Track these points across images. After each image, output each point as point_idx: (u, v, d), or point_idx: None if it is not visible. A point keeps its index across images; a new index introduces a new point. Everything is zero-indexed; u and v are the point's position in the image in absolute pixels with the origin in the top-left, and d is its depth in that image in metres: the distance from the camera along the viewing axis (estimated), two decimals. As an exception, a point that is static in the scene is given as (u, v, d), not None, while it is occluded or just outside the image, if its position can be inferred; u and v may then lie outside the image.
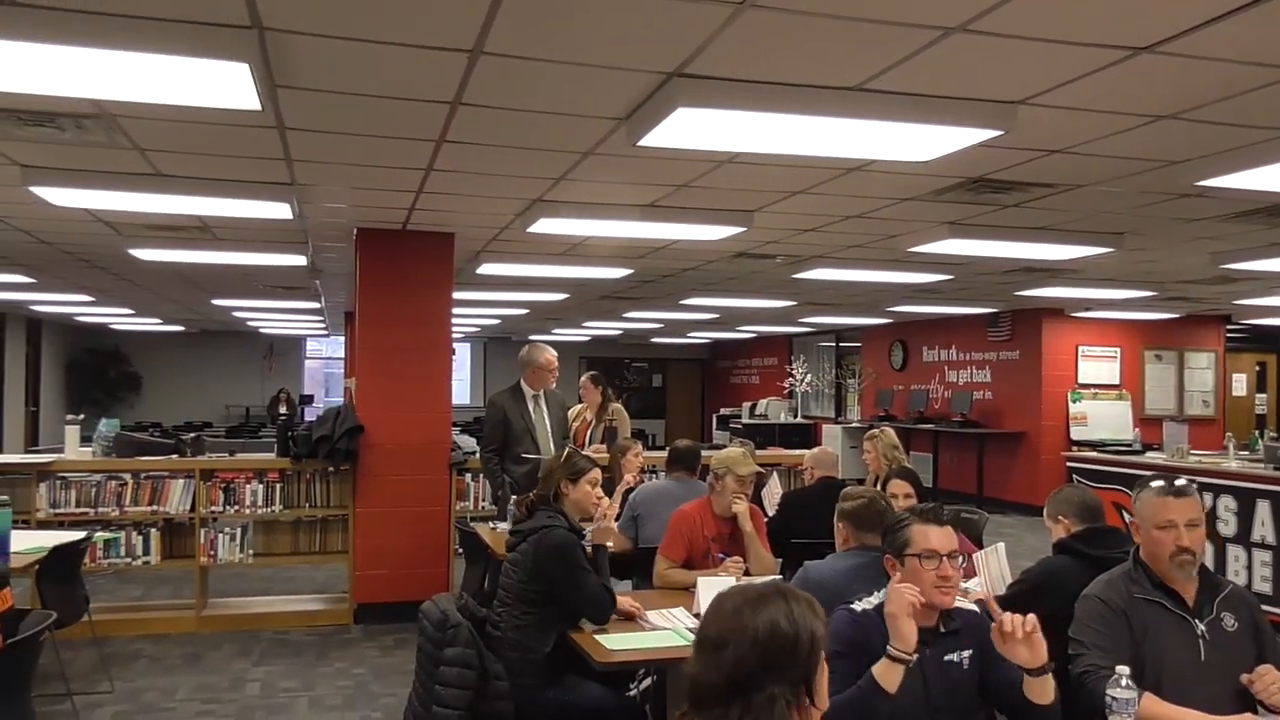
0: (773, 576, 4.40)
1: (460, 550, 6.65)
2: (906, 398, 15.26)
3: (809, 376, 16.71)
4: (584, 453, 4.21)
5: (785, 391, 17.54)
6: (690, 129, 3.80)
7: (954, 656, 2.72)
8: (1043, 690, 2.53)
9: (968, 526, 5.40)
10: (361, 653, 6.28)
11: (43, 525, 6.31)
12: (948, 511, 2.88)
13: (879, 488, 4.77)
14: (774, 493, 6.23)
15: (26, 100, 3.82)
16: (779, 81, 3.49)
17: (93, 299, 12.84)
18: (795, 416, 17.58)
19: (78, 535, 5.49)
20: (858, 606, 2.73)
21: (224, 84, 3.30)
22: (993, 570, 3.83)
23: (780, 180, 5.26)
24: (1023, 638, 2.48)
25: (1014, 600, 3.53)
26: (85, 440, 7.11)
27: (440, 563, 7.04)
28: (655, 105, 3.69)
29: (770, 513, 5.63)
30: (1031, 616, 2.51)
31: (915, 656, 2.53)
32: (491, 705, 3.40)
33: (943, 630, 2.73)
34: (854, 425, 15.60)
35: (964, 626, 2.76)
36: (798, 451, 8.30)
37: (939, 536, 2.73)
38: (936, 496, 11.58)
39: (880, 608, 2.65)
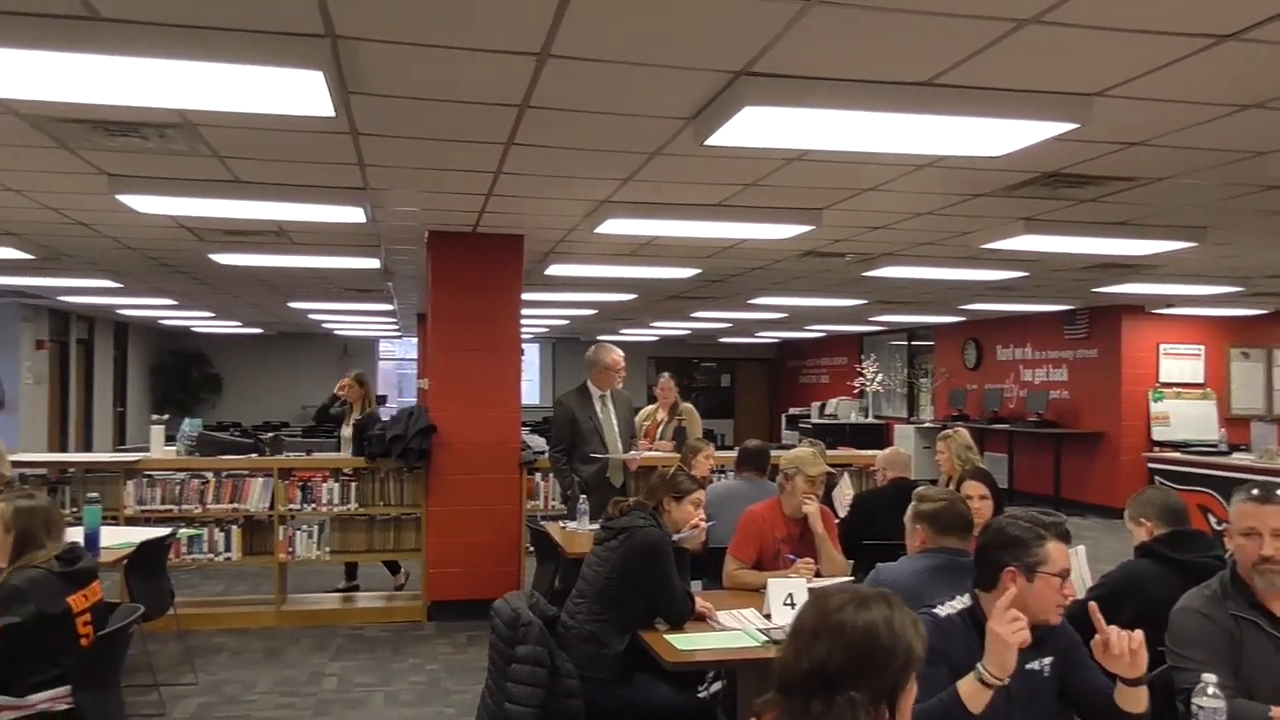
0: (844, 578, 4.37)
1: (531, 549, 6.71)
2: (980, 397, 15.00)
3: (880, 376, 16.50)
4: (688, 472, 4.25)
5: (856, 391, 17.35)
6: (758, 127, 3.78)
7: (1035, 664, 2.64)
8: (1137, 700, 2.46)
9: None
10: (435, 649, 6.37)
11: (130, 522, 6.51)
12: (1026, 514, 2.79)
13: (952, 489, 4.70)
14: (845, 494, 6.18)
15: (113, 111, 3.95)
16: (847, 78, 3.45)
17: (175, 303, 13.22)
18: (866, 416, 17.39)
19: (163, 531, 5.68)
20: (941, 612, 2.66)
21: (299, 92, 3.38)
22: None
23: (849, 177, 5.21)
24: (1121, 654, 2.40)
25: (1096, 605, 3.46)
26: (169, 440, 7.33)
27: (511, 561, 7.11)
28: (722, 104, 3.68)
29: (841, 514, 5.58)
30: (1138, 634, 2.43)
31: (1006, 681, 2.42)
32: (562, 703, 3.43)
33: None
34: (926, 425, 15.38)
35: (1045, 634, 2.67)
36: (869, 452, 8.21)
37: (1066, 554, 2.65)
38: (1012, 498, 11.37)
39: (964, 613, 2.59)
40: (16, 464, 6.55)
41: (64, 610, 3.21)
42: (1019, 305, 12.67)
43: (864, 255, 7.98)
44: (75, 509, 6.41)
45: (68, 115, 4.06)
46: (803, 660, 1.71)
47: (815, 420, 17.56)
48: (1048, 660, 2.66)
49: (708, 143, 4.00)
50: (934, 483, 5.62)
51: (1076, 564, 3.82)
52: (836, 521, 4.97)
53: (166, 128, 4.24)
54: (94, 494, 5.36)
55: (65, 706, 3.21)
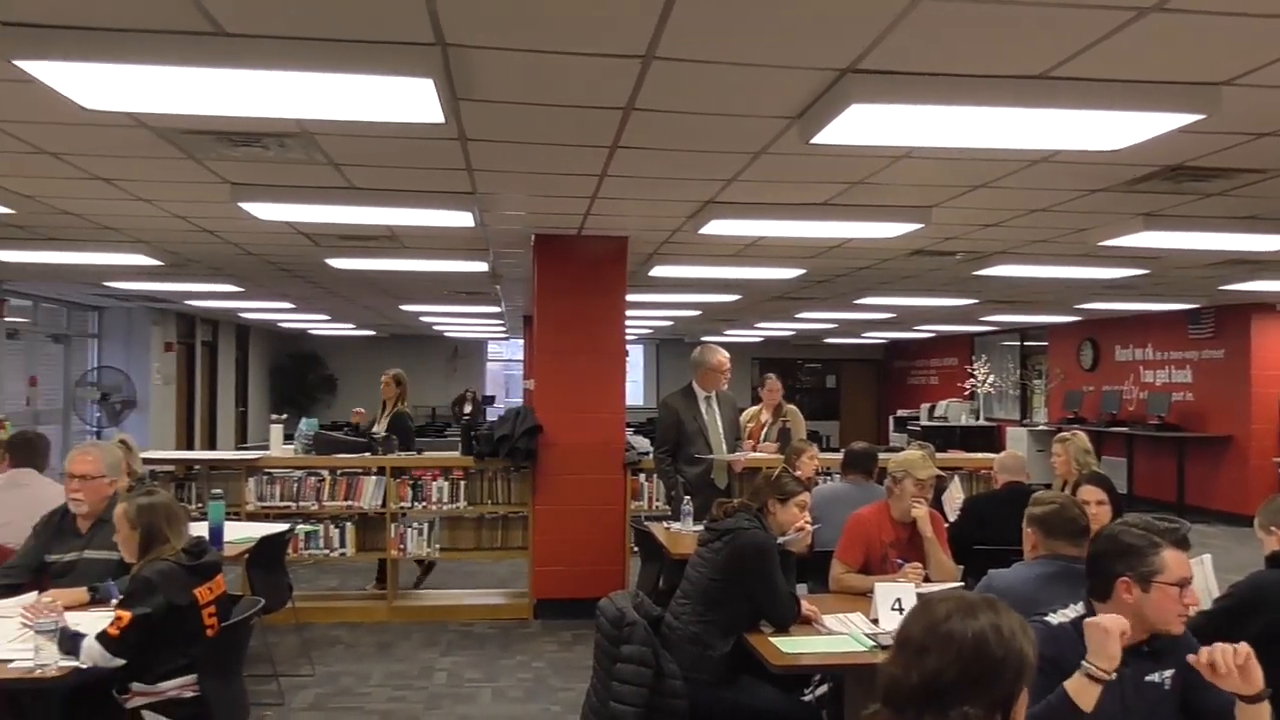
0: (955, 584, 4.27)
1: (635, 549, 6.73)
2: (1098, 399, 14.48)
3: (991, 377, 16.07)
4: (793, 474, 4.21)
5: (966, 393, 16.94)
6: (865, 125, 3.73)
7: (1155, 677, 2.54)
8: (1258, 717, 2.34)
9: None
10: (541, 647, 6.45)
11: (251, 517, 6.76)
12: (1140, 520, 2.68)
13: (1068, 494, 4.55)
14: (955, 497, 6.04)
15: (236, 123, 4.11)
16: (958, 73, 3.37)
17: (294, 306, 13.69)
18: (977, 419, 16.96)
19: (282, 527, 5.88)
20: (1054, 619, 2.58)
21: (410, 99, 3.47)
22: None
23: (959, 174, 5.09)
24: (1228, 671, 2.29)
25: (1221, 617, 3.30)
26: (287, 439, 7.59)
27: (616, 561, 7.15)
28: (828, 103, 3.64)
29: (951, 518, 5.46)
30: (1243, 646, 2.31)
31: (1114, 676, 2.35)
32: (667, 703, 3.43)
33: (1145, 649, 2.53)
34: (1040, 428, 14.91)
35: (1165, 645, 2.56)
36: (980, 455, 8.02)
37: (1185, 563, 2.53)
38: (1131, 504, 10.94)
39: (1078, 621, 2.50)
40: (147, 461, 6.85)
41: (191, 602, 3.35)
42: (1139, 304, 12.18)
43: (975, 254, 7.79)
44: (200, 505, 6.70)
45: (194, 127, 4.24)
46: (911, 674, 1.67)
47: (924, 422, 17.21)
48: (1169, 673, 2.54)
49: (813, 141, 3.96)
50: (1049, 487, 5.45)
51: (1202, 574, 3.66)
52: (946, 526, 4.86)
53: (286, 137, 4.39)
54: (218, 490, 5.59)
55: (192, 694, 3.35)
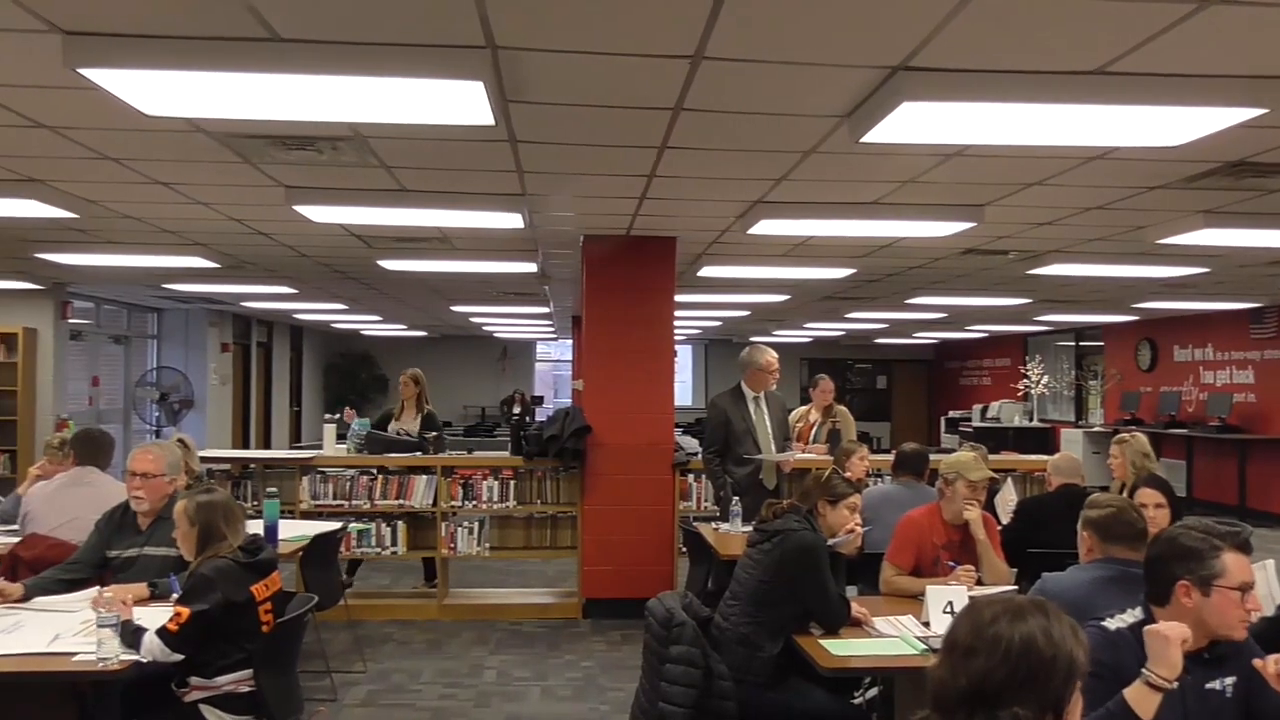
0: (1008, 588, 4.21)
1: (684, 549, 6.73)
2: (1155, 400, 14.19)
3: (1046, 378, 15.83)
4: (843, 475, 4.19)
5: (1020, 393, 16.69)
6: (916, 123, 3.69)
7: (1216, 684, 2.48)
8: None
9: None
10: (590, 646, 6.47)
11: (305, 516, 6.86)
12: (1200, 523, 2.62)
13: (1125, 496, 4.47)
14: (1008, 500, 5.96)
15: (291, 127, 4.18)
16: (1011, 70, 3.33)
17: (346, 307, 13.88)
18: (1031, 420, 16.71)
19: (334, 525, 5.96)
20: (1111, 624, 2.53)
21: (461, 102, 3.50)
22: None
23: (1013, 172, 5.02)
24: None
25: (1284, 623, 3.22)
26: (340, 438, 7.69)
27: (665, 561, 7.16)
28: (879, 101, 3.61)
29: (1004, 521, 5.39)
30: None
31: (1176, 685, 2.30)
32: (716, 704, 3.43)
33: (1205, 656, 2.48)
34: (1096, 430, 14.66)
35: (1228, 652, 2.50)
36: (1033, 457, 7.90)
37: (1247, 566, 2.48)
38: (1190, 507, 10.71)
39: (1136, 626, 2.45)
40: (204, 460, 6.98)
41: (248, 598, 3.41)
42: (1199, 303, 11.93)
43: (1028, 252, 7.68)
44: (256, 503, 6.81)
45: (250, 132, 4.31)
46: (959, 677, 1.66)
47: (976, 424, 16.99)
48: (1230, 680, 2.49)
49: (863, 140, 3.93)
50: (1105, 489, 5.35)
51: (1265, 579, 3.57)
52: (999, 528, 4.80)
53: (339, 140, 4.45)
54: (273, 489, 5.68)
55: (248, 688, 3.40)
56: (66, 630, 3.45)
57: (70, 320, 11.49)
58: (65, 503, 4.76)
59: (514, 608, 7.32)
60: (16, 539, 4.70)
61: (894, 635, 3.62)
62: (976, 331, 18.44)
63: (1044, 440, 15.56)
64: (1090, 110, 3.54)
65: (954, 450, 5.90)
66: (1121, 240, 6.92)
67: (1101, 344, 16.12)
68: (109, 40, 3.09)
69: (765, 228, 6.21)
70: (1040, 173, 5.02)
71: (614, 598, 7.01)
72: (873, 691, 4.42)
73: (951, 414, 19.21)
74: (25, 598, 3.84)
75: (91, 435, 5.16)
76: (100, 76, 3.26)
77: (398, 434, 7.78)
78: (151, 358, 14.34)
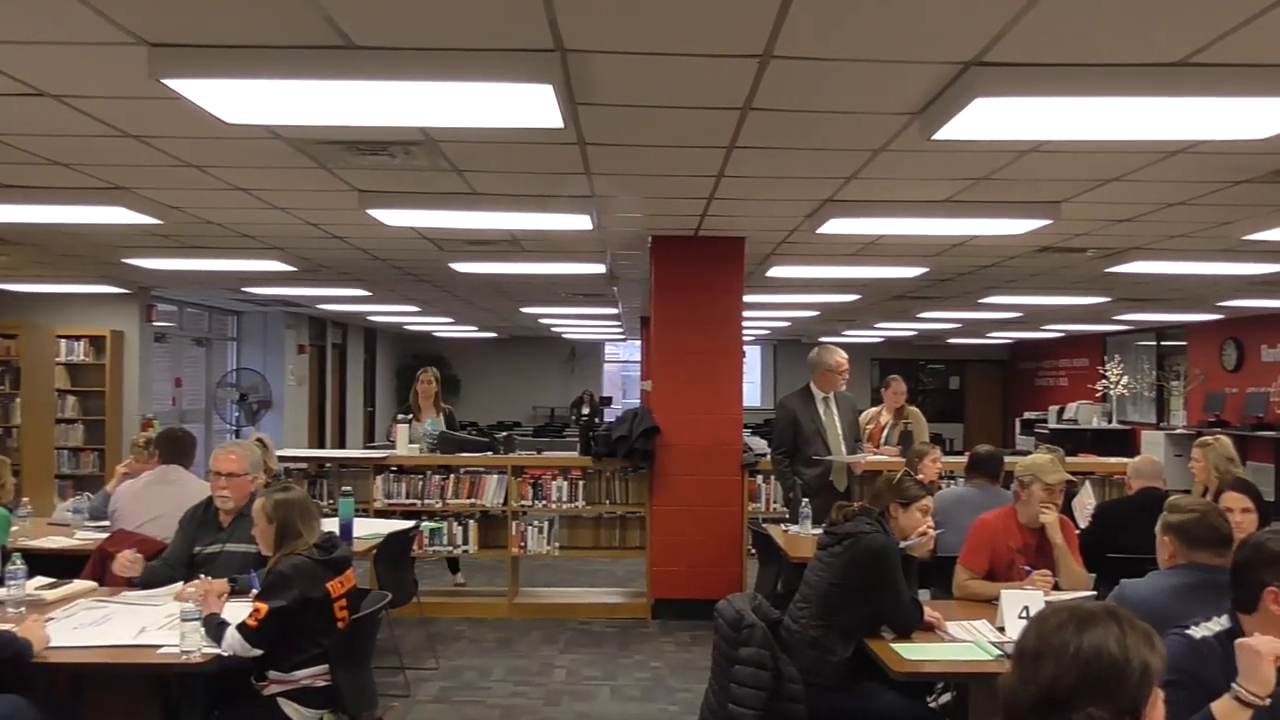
0: (1086, 593, 4.12)
1: (753, 551, 6.70)
2: (1241, 401, 13.74)
3: (1125, 378, 15.42)
4: (915, 477, 4.14)
5: (1098, 395, 16.30)
6: (990, 120, 3.63)
7: None
8: None
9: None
10: (659, 647, 6.48)
11: (379, 514, 6.97)
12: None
13: (1209, 500, 4.33)
14: (1086, 503, 5.83)
15: (364, 132, 4.26)
16: (1089, 63, 3.26)
17: (418, 309, 14.09)
18: (1110, 422, 16.30)
19: (407, 524, 6.05)
20: (1195, 633, 2.45)
21: (530, 105, 3.53)
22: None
23: (1091, 168, 4.91)
24: None
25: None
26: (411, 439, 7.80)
27: (734, 562, 7.13)
28: (951, 97, 3.56)
29: (1082, 524, 5.27)
30: None
31: (1268, 701, 2.22)
32: (787, 707, 3.41)
33: None
34: (1178, 431, 14.24)
35: None
36: (1112, 459, 7.71)
37: None
38: (1279, 513, 10.34)
39: (1222, 636, 2.37)
40: (281, 459, 7.14)
41: (323, 595, 3.48)
42: (1288, 301, 11.54)
43: (1107, 250, 7.50)
44: (331, 501, 6.95)
45: (325, 138, 4.41)
46: (1028, 684, 1.63)
47: (1053, 425, 16.63)
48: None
49: (935, 137, 3.88)
50: (1187, 493, 5.20)
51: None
52: (1077, 532, 4.69)
53: (411, 145, 4.52)
54: (347, 488, 5.79)
55: (324, 683, 3.48)
56: (152, 623, 3.57)
57: (154, 323, 11.84)
58: (151, 500, 4.91)
59: (583, 607, 7.36)
60: (105, 535, 4.87)
61: (968, 640, 3.56)
62: (1053, 331, 18.04)
63: (1123, 442, 15.18)
64: (1172, 103, 3.45)
65: (1029, 453, 5.79)
66: (1206, 236, 6.72)
67: (1184, 343, 15.65)
68: (192, 51, 3.18)
69: (835, 227, 6.16)
70: (1119, 168, 4.90)
71: (683, 599, 7.00)
72: (946, 696, 4.36)
73: (1027, 415, 18.84)
74: (144, 583, 4.01)
75: (174, 435, 5.31)
76: (183, 86, 3.35)
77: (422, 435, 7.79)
78: (231, 359, 14.71)
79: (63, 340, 11.01)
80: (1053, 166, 4.84)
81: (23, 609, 3.70)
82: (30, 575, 3.91)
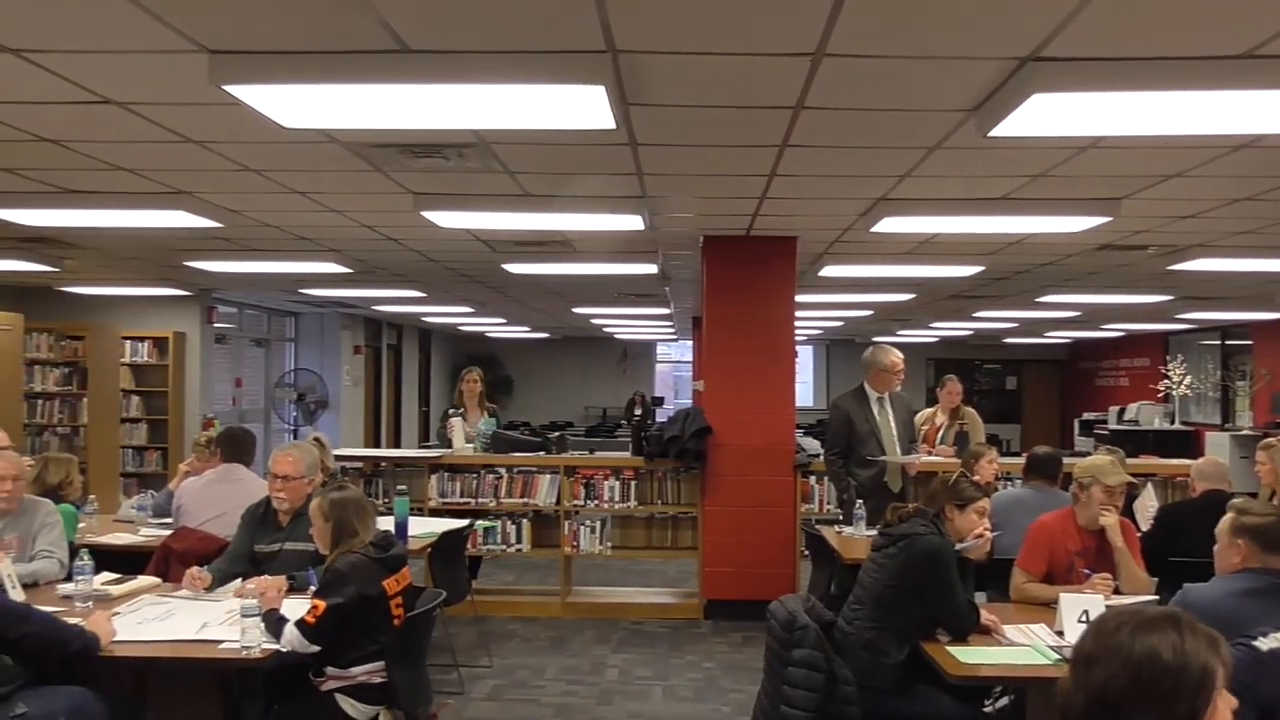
0: (1148, 597, 4.04)
1: (806, 552, 6.66)
2: (1311, 402, 13.37)
3: (1188, 378, 15.08)
4: (970, 478, 4.09)
5: (1160, 395, 15.96)
6: (1048, 115, 3.57)
7: None
8: None
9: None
10: (711, 647, 6.47)
11: (434, 513, 7.05)
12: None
13: (1277, 504, 4.23)
14: (1147, 505, 5.72)
15: (418, 135, 4.31)
16: (1150, 56, 3.19)
17: (472, 310, 14.21)
18: (1172, 423, 15.94)
19: (462, 523, 6.11)
20: (1264, 645, 2.36)
21: (582, 106, 3.54)
22: None
23: (1152, 163, 4.81)
24: None
25: None
26: (466, 438, 7.86)
27: (787, 564, 7.10)
28: (1008, 93, 3.50)
29: (1144, 527, 5.16)
30: None
31: None
32: (840, 709, 3.38)
33: None
34: (1244, 433, 13.88)
35: None
36: (1175, 461, 7.55)
37: None
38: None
39: None
40: (338, 458, 7.25)
41: (380, 592, 3.53)
42: (1360, 298, 11.20)
43: (1169, 247, 7.34)
44: (386, 500, 7.03)
45: (380, 141, 4.47)
46: (1079, 690, 1.61)
47: (1113, 426, 16.32)
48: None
49: (991, 134, 3.83)
50: (1253, 496, 5.08)
51: None
52: (1139, 535, 4.60)
53: (464, 147, 4.57)
54: (403, 486, 5.85)
55: (380, 680, 3.52)
56: (214, 619, 3.64)
57: (215, 324, 12.09)
58: (213, 498, 5.02)
59: (635, 607, 7.37)
60: (169, 532, 4.98)
61: (1025, 644, 3.51)
62: (1113, 330, 17.69)
63: (1186, 444, 14.84)
64: (1237, 96, 3.37)
65: (1089, 454, 5.68)
66: (1272, 233, 6.56)
67: (1249, 342, 15.27)
68: (251, 58, 3.25)
69: (889, 225, 6.10)
70: (1182, 164, 4.79)
71: (735, 599, 6.98)
72: (1003, 701, 4.29)
73: (1086, 416, 18.50)
74: (211, 586, 4.09)
75: (235, 434, 5.42)
76: (242, 92, 3.42)
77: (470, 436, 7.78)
78: (289, 360, 14.96)
79: (127, 341, 11.28)
80: (1112, 163, 4.75)
81: (90, 604, 3.81)
82: (96, 571, 4.01)
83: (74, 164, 4.90)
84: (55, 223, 6.28)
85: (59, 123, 4.19)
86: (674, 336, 20.82)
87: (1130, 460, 6.00)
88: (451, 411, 7.83)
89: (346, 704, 3.47)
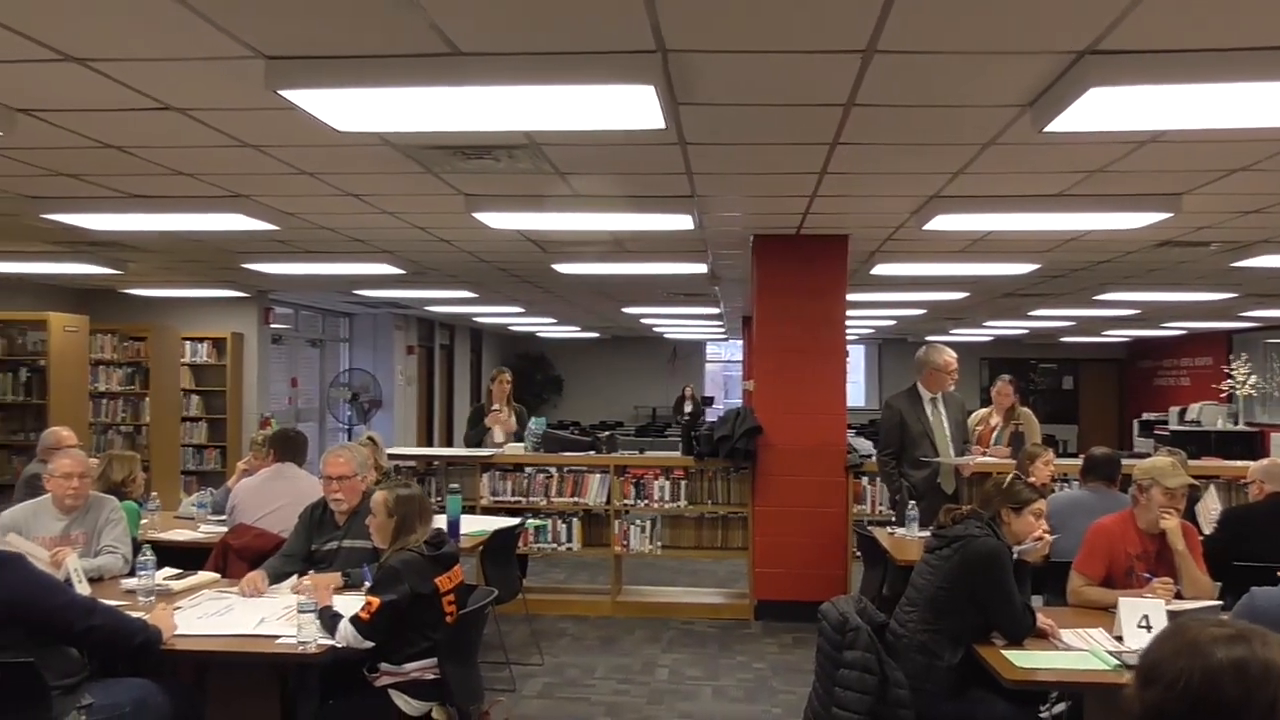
0: (1211, 602, 3.95)
1: (858, 554, 6.61)
2: (1382, 402, 12.98)
3: (1253, 378, 14.71)
4: (1026, 480, 4.03)
5: (1223, 395, 15.59)
6: (1105, 110, 3.51)
7: None
8: None
9: None
10: (761, 648, 6.44)
11: (486, 511, 7.11)
12: None
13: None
14: (1210, 508, 5.59)
15: (470, 137, 4.34)
16: (1212, 48, 3.12)
17: (523, 310, 14.30)
18: (1236, 423, 15.56)
19: (513, 521, 6.15)
20: None
21: (632, 106, 3.54)
22: None
23: (1214, 158, 4.70)
24: None
25: None
26: (517, 437, 7.92)
27: (838, 564, 7.05)
28: (1063, 88, 3.45)
29: (1206, 530, 5.05)
30: None
31: None
32: (892, 712, 3.35)
33: None
34: (1312, 433, 13.52)
35: None
36: (1239, 463, 7.37)
37: None
38: None
39: None
40: (392, 457, 7.33)
41: (433, 590, 3.57)
42: None
43: (1233, 244, 7.17)
44: (439, 498, 7.09)
45: (432, 143, 4.51)
46: (1133, 703, 1.55)
47: (1174, 427, 15.97)
48: None
49: (1047, 130, 3.76)
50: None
51: None
52: (1200, 539, 4.49)
53: (515, 149, 4.60)
54: (455, 485, 5.91)
55: (433, 676, 3.56)
56: (271, 615, 3.71)
57: (272, 325, 12.29)
58: (268, 495, 5.12)
59: (686, 607, 7.37)
60: (226, 528, 5.08)
61: (1083, 649, 3.45)
62: (1173, 329, 17.32)
63: (1251, 445, 14.47)
64: (1303, 88, 3.28)
65: (1148, 455, 5.57)
66: (1341, 228, 6.38)
67: (1318, 341, 14.87)
68: (306, 63, 3.30)
69: (942, 223, 6.03)
70: (1245, 157, 4.68)
71: (786, 600, 6.95)
72: (1060, 706, 4.22)
73: (1145, 416, 18.14)
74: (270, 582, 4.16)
75: (288, 435, 5.57)
76: (298, 96, 3.47)
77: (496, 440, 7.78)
78: (344, 360, 15.17)
79: (187, 342, 11.53)
80: (1173, 157, 4.65)
81: (152, 598, 3.89)
82: (158, 566, 4.10)
83: (136, 169, 5.01)
84: (119, 227, 6.43)
85: (122, 129, 4.29)
86: (724, 336, 20.77)
87: (1192, 462, 5.87)
88: (495, 408, 7.83)
89: (400, 700, 3.51)
